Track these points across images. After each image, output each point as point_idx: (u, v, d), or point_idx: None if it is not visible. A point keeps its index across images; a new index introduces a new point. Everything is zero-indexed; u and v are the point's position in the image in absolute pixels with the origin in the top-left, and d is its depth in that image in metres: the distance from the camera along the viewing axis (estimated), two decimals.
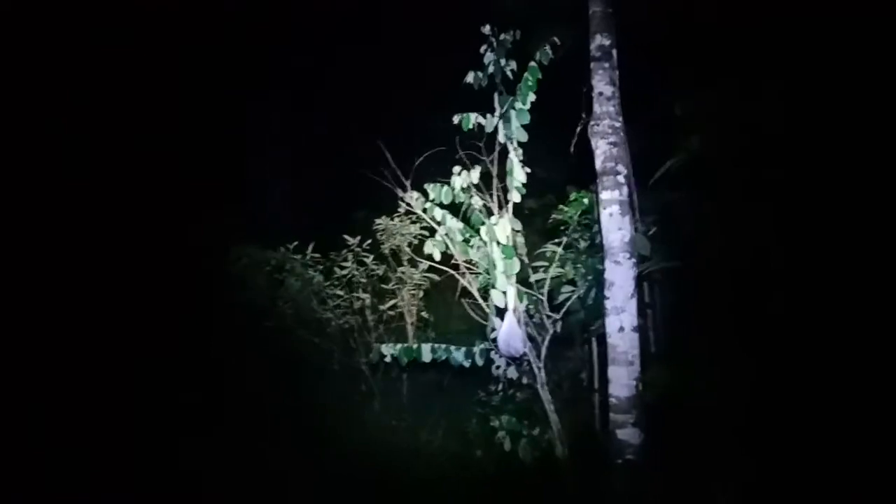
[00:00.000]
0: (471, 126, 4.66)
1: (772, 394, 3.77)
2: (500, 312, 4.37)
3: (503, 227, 4.20)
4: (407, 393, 6.01)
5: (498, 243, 4.27)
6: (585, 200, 4.53)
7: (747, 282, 4.34)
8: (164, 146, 7.72)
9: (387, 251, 6.31)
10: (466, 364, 4.49)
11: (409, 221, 6.11)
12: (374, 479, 4.61)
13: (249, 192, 8.45)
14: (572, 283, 4.54)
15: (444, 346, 4.47)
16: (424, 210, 4.85)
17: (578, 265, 4.53)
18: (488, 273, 4.41)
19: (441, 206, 4.81)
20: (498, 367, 4.54)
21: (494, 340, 4.40)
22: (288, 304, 6.38)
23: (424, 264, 6.19)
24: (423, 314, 6.42)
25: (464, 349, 4.48)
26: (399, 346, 4.48)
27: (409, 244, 6.20)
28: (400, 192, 4.68)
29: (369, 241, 6.30)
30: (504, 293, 4.31)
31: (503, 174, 4.52)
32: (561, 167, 4.63)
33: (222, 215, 7.22)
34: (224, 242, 6.45)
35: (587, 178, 4.45)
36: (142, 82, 7.58)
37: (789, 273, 4.26)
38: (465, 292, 5.12)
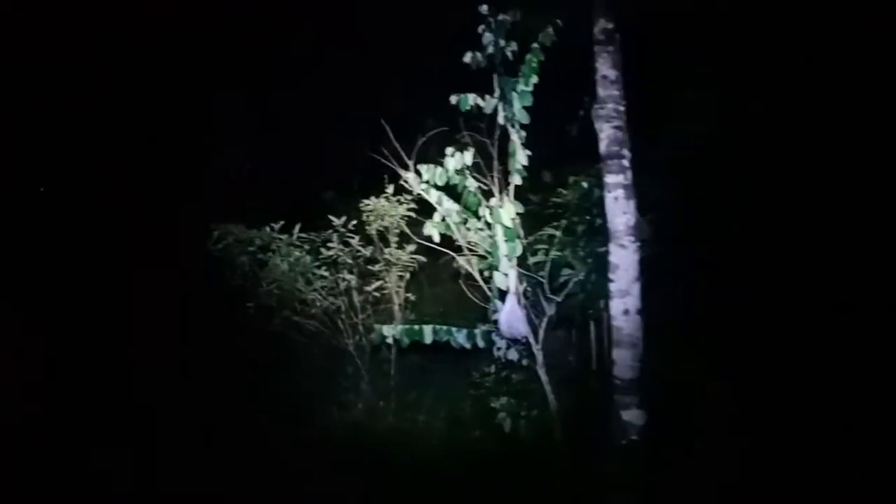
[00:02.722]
0: (469, 107, 4.62)
1: (774, 375, 3.87)
2: (501, 295, 4.37)
3: (507, 209, 4.19)
4: (396, 375, 5.97)
5: (502, 226, 4.25)
6: (584, 184, 4.54)
7: (738, 264, 4.43)
8: (138, 123, 7.51)
9: (373, 232, 6.25)
10: (468, 346, 4.48)
11: (396, 203, 6.09)
12: (371, 461, 4.59)
13: (229, 171, 8.24)
14: (570, 266, 4.56)
15: (445, 327, 4.45)
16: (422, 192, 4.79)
17: (577, 248, 4.55)
18: (490, 255, 4.40)
19: (436, 187, 4.77)
20: (499, 349, 4.54)
21: (496, 322, 4.40)
22: (273, 284, 6.27)
23: (412, 246, 6.23)
24: (409, 296, 6.39)
25: (465, 331, 4.47)
26: (400, 327, 4.45)
27: (397, 226, 6.18)
28: (402, 172, 4.60)
29: (354, 223, 6.22)
30: (506, 275, 4.30)
31: (504, 156, 4.49)
32: (560, 150, 4.61)
33: (201, 195, 7.02)
34: (202, 222, 6.28)
35: (586, 161, 4.48)
36: (122, 60, 7.32)
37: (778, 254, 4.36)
38: (460, 274, 5.12)
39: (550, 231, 4.65)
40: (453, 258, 4.80)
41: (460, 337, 4.46)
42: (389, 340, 4.44)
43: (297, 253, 6.23)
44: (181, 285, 6.47)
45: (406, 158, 4.55)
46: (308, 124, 8.47)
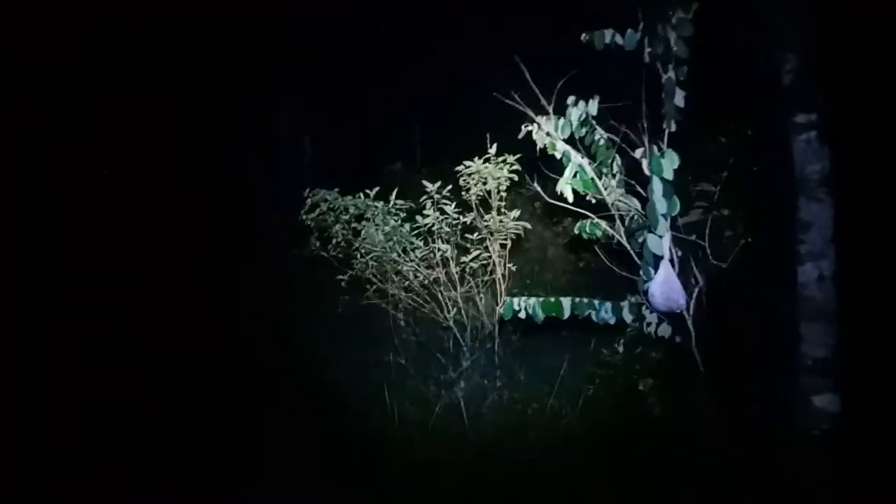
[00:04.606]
0: (606, 44, 3.99)
1: None
2: (655, 261, 3.76)
3: (670, 159, 3.55)
4: (512, 355, 5.43)
5: (661, 179, 3.62)
6: (749, 131, 3.87)
7: None
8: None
9: (473, 198, 5.69)
10: (612, 321, 3.89)
11: (496, 165, 5.52)
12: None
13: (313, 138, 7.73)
14: (735, 226, 3.91)
15: (586, 300, 3.87)
16: (546, 146, 4.19)
17: (739, 207, 3.90)
18: (643, 215, 3.79)
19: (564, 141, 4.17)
20: (649, 325, 3.94)
21: (646, 293, 3.80)
22: (369, 255, 5.79)
23: (516, 211, 5.66)
24: (511, 266, 5.83)
25: (609, 304, 3.88)
26: (533, 299, 3.88)
27: (498, 189, 5.61)
28: (526, 124, 4.02)
29: (449, 188, 5.65)
30: (661, 238, 3.69)
31: (653, 100, 3.85)
32: (720, 90, 3.94)
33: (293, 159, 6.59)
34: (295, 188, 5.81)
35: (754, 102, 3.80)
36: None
37: None
38: (583, 240, 4.53)
39: (706, 186, 3.99)
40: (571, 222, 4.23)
41: (604, 311, 3.87)
42: (521, 314, 3.87)
43: (392, 221, 5.73)
44: (273, 257, 6.02)
45: (544, 102, 3.94)
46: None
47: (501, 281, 5.75)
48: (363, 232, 5.78)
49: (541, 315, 3.86)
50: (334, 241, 5.81)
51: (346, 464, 4.41)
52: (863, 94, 3.48)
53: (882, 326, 3.42)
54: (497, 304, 5.77)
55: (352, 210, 5.75)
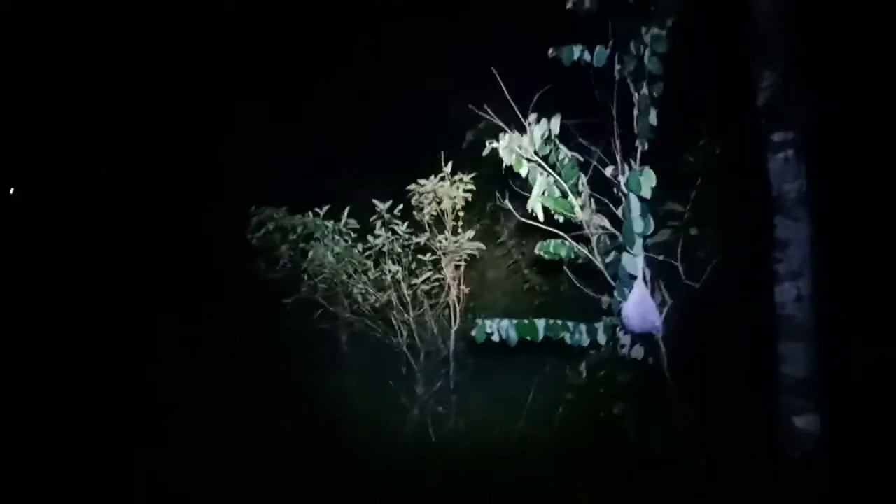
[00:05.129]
0: (574, 59, 3.90)
1: None
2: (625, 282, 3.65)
3: (647, 177, 3.46)
4: (469, 378, 5.24)
5: (637, 198, 3.52)
6: (718, 149, 3.85)
7: None
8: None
9: (427, 217, 5.50)
10: (585, 343, 3.76)
11: (451, 184, 5.37)
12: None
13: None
14: (706, 245, 3.86)
15: (559, 321, 3.72)
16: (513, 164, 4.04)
17: (712, 225, 3.85)
18: (613, 235, 3.69)
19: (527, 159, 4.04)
20: (622, 346, 3.82)
21: (618, 315, 3.69)
22: (318, 277, 5.50)
23: (470, 231, 5.51)
24: (464, 289, 5.66)
25: (584, 326, 3.74)
26: (507, 321, 3.70)
27: (454, 209, 5.46)
28: (499, 135, 3.87)
29: (400, 207, 5.45)
30: (635, 257, 3.59)
31: (623, 117, 3.78)
32: (693, 105, 3.89)
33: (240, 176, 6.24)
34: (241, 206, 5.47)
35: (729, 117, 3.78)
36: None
37: None
38: (541, 262, 4.41)
39: (674, 206, 3.93)
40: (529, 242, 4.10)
41: (578, 333, 3.73)
42: (495, 337, 3.68)
43: (343, 242, 5.47)
44: (214, 279, 5.64)
45: (520, 116, 3.80)
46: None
47: (456, 302, 5.58)
48: (311, 253, 5.51)
49: (514, 338, 3.68)
50: (281, 262, 5.50)
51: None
52: (840, 112, 3.49)
53: (862, 345, 3.41)
54: (452, 327, 5.63)
55: (300, 229, 5.47)
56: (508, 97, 3.69)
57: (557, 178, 3.98)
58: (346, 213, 5.43)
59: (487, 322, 3.70)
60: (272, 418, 5.17)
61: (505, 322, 3.71)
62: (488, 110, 3.86)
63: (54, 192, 6.21)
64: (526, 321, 3.70)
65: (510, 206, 4.11)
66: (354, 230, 5.52)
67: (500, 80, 3.71)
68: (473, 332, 3.70)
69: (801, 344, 3.27)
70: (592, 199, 3.98)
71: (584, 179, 4.03)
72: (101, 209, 6.12)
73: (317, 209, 5.46)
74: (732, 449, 3.49)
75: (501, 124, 3.82)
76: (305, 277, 5.57)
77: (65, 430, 4.86)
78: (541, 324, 3.68)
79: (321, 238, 5.45)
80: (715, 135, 3.88)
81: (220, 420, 5.03)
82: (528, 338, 3.69)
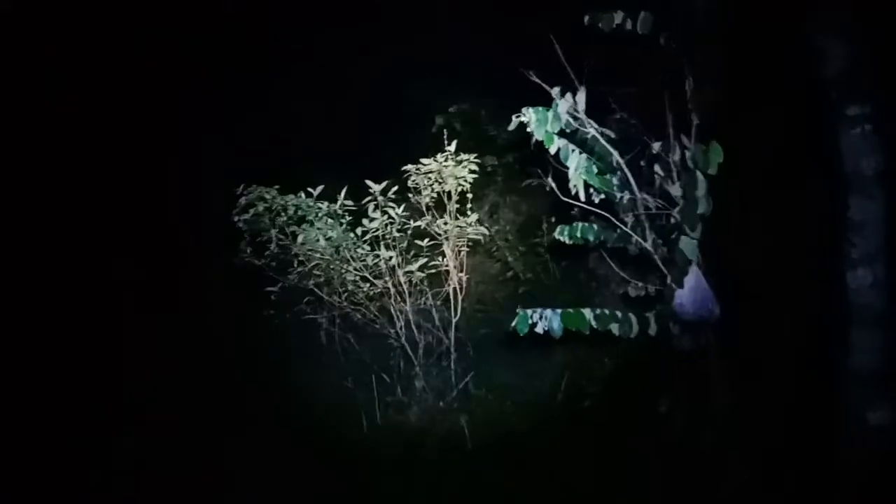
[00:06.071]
0: (614, 26, 3.59)
1: None
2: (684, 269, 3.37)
3: (715, 152, 3.17)
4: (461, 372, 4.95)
5: (704, 175, 3.23)
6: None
7: None
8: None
9: (426, 200, 5.13)
10: (633, 335, 3.45)
11: (457, 164, 5.00)
12: None
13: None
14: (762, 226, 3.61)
15: (608, 311, 3.40)
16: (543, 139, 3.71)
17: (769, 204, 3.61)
18: (674, 216, 3.40)
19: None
20: (672, 336, 3.54)
21: (671, 303, 3.41)
22: (311, 265, 5.04)
23: (474, 215, 5.16)
24: (464, 276, 5.32)
25: (633, 316, 3.43)
26: (550, 311, 3.35)
27: (459, 189, 5.09)
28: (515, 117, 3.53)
29: (396, 189, 5.05)
30: (696, 240, 3.31)
31: (673, 86, 3.48)
32: (745, 76, 3.62)
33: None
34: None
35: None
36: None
37: None
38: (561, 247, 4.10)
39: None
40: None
41: (627, 323, 3.42)
42: (539, 329, 3.34)
43: (338, 225, 5.03)
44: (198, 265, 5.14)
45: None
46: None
47: (458, 291, 5.23)
48: (302, 237, 5.04)
49: (559, 329, 3.35)
50: (271, 246, 5.01)
51: None
52: None
53: None
54: (453, 318, 5.27)
55: (291, 211, 5.00)
56: (565, 62, 3.32)
57: (589, 155, 3.68)
58: (342, 194, 4.97)
59: (530, 312, 3.35)
60: (256, 414, 4.79)
61: (549, 312, 3.37)
62: (534, 76, 3.48)
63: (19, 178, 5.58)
64: (571, 311, 3.36)
65: (553, 185, 3.74)
66: (351, 212, 5.09)
67: (557, 47, 3.35)
68: (514, 324, 3.34)
69: (876, 332, 3.04)
70: (622, 177, 3.69)
71: (618, 157, 3.73)
72: (68, 192, 5.50)
73: (310, 189, 5.00)
74: (795, 447, 3.26)
75: (550, 91, 3.46)
76: (295, 263, 5.11)
77: (37, 426, 4.50)
78: (588, 313, 3.35)
79: (314, 221, 5.00)
80: (774, 107, 3.62)
81: (204, 416, 4.62)
82: (576, 328, 3.35)
